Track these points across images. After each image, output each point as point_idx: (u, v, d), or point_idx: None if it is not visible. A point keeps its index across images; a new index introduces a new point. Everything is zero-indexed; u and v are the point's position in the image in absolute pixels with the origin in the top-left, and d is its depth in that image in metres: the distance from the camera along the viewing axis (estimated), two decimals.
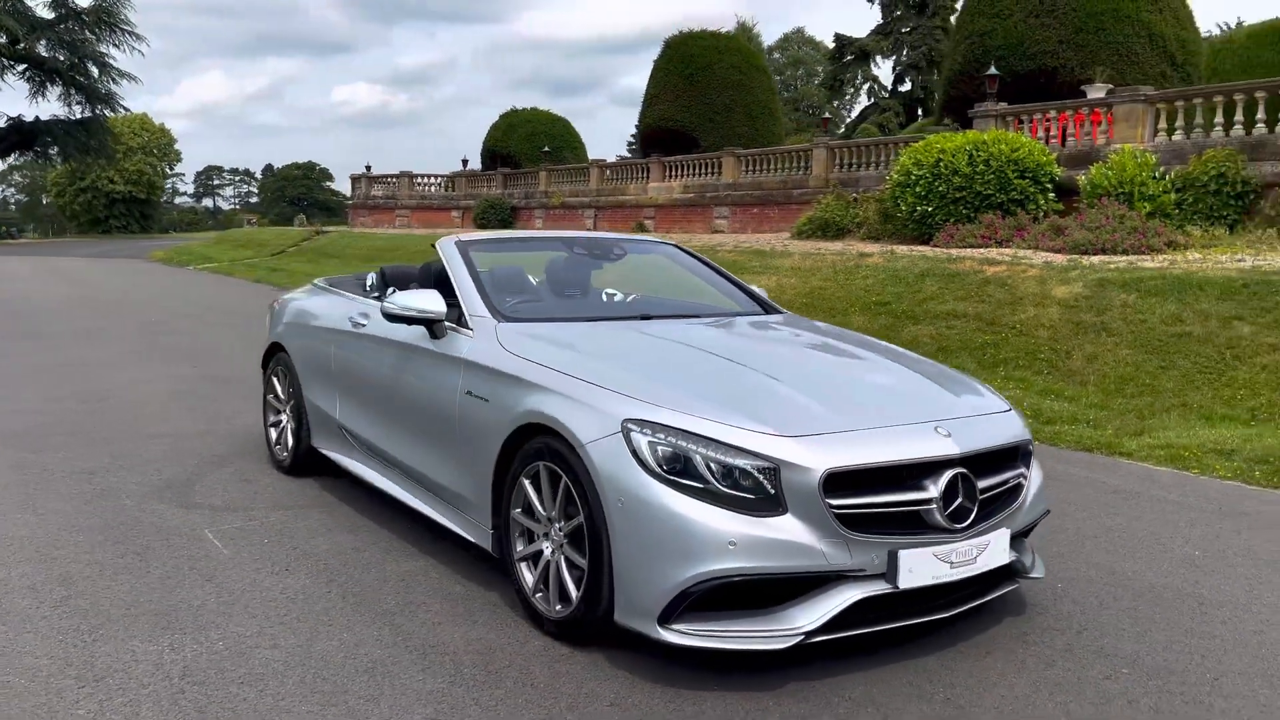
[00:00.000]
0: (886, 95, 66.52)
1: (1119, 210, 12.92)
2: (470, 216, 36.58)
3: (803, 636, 3.17)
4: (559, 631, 3.59)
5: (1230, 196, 13.06)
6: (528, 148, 37.59)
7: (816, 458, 3.20)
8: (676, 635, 3.21)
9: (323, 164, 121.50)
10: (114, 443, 6.79)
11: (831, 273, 13.45)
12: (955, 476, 3.35)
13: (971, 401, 3.87)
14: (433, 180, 41.09)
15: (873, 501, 3.25)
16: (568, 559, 3.59)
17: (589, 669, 3.40)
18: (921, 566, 3.27)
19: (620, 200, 29.70)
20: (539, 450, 3.67)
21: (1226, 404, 7.84)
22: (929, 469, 3.34)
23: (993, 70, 17.43)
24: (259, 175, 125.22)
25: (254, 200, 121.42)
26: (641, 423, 3.34)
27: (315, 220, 60.91)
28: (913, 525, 3.32)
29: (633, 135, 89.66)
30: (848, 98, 68.56)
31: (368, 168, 42.59)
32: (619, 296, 5.61)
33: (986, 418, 3.75)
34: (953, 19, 63.78)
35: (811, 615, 3.19)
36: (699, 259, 5.73)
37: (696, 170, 27.01)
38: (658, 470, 3.25)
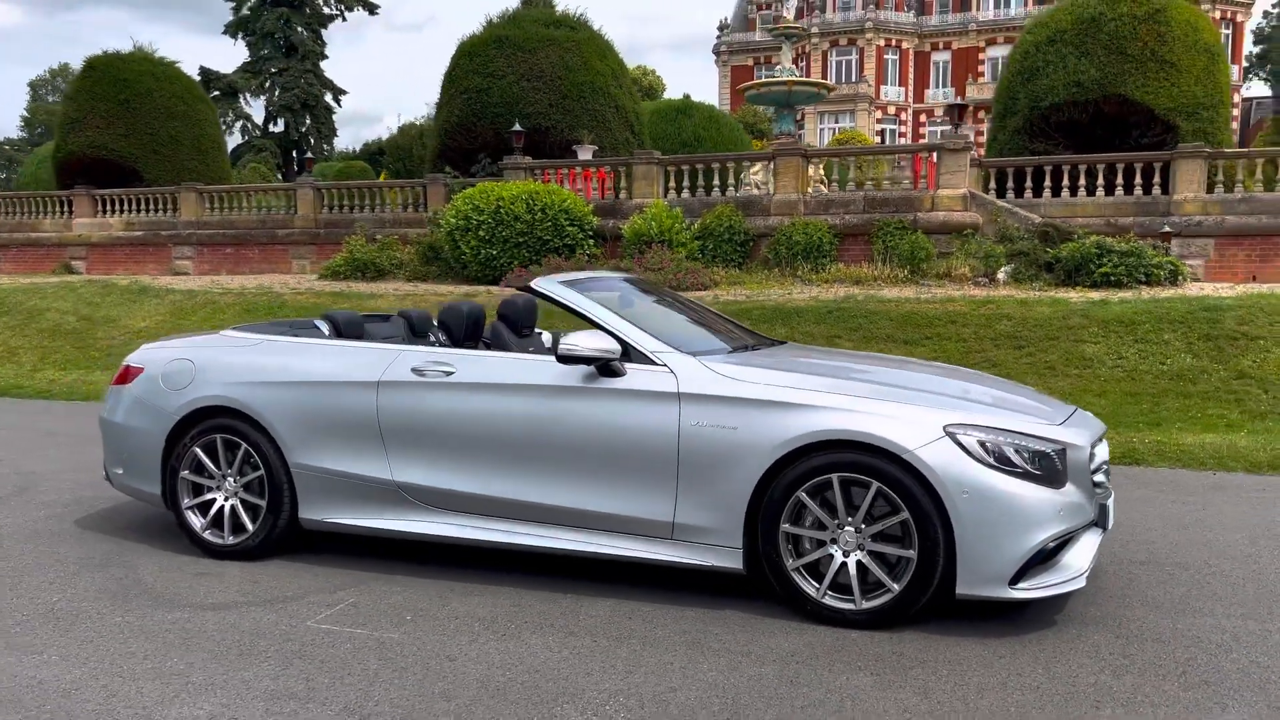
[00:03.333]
0: (260, 135, 64.80)
1: (668, 254, 15.33)
2: None
3: (1084, 576, 4.20)
4: (870, 619, 4.11)
5: (737, 244, 16.28)
6: None
7: (1082, 438, 4.28)
8: (1021, 592, 4.03)
9: None
10: None
11: None
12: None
13: None
14: None
15: (1092, 467, 4.42)
16: (874, 554, 4.14)
17: (940, 641, 4.02)
18: (1112, 513, 4.52)
19: (33, 238, 25.43)
20: (830, 464, 4.14)
21: None
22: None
23: (517, 127, 18.98)
24: None
25: None
26: (964, 426, 4.09)
27: None
28: (1093, 484, 4.55)
29: None
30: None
31: None
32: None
33: None
34: (323, 64, 64.64)
35: (1081, 560, 4.23)
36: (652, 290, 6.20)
37: (145, 206, 24.34)
38: (991, 463, 4.04)
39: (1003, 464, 4.06)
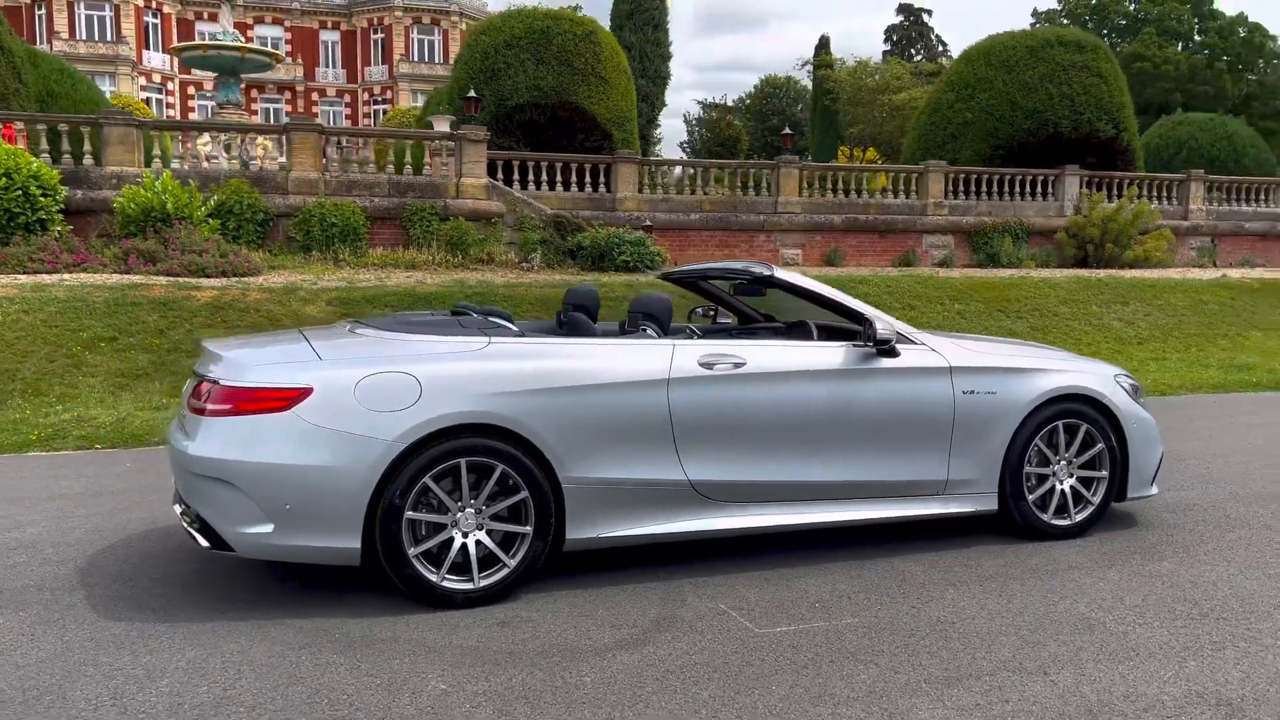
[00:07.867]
0: None
1: (196, 234, 13.36)
2: None
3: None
4: (1078, 530, 5.29)
5: (258, 223, 14.76)
6: None
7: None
8: (1155, 489, 5.59)
9: None
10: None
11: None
12: None
13: None
14: None
15: None
16: (1079, 479, 5.33)
17: (1138, 537, 5.37)
18: None
19: None
20: (1056, 413, 5.19)
21: None
22: None
23: None
24: None
25: None
26: (1118, 374, 5.50)
27: None
28: None
29: None
30: None
31: None
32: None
33: None
34: None
35: None
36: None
37: None
38: (1135, 398, 5.52)
39: (1135, 398, 5.59)
